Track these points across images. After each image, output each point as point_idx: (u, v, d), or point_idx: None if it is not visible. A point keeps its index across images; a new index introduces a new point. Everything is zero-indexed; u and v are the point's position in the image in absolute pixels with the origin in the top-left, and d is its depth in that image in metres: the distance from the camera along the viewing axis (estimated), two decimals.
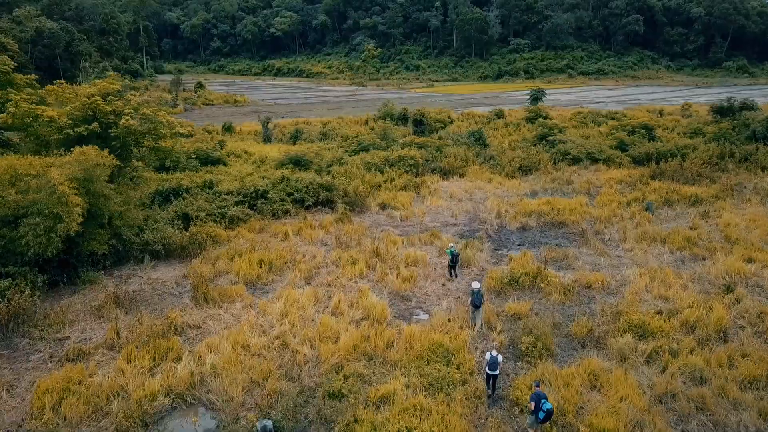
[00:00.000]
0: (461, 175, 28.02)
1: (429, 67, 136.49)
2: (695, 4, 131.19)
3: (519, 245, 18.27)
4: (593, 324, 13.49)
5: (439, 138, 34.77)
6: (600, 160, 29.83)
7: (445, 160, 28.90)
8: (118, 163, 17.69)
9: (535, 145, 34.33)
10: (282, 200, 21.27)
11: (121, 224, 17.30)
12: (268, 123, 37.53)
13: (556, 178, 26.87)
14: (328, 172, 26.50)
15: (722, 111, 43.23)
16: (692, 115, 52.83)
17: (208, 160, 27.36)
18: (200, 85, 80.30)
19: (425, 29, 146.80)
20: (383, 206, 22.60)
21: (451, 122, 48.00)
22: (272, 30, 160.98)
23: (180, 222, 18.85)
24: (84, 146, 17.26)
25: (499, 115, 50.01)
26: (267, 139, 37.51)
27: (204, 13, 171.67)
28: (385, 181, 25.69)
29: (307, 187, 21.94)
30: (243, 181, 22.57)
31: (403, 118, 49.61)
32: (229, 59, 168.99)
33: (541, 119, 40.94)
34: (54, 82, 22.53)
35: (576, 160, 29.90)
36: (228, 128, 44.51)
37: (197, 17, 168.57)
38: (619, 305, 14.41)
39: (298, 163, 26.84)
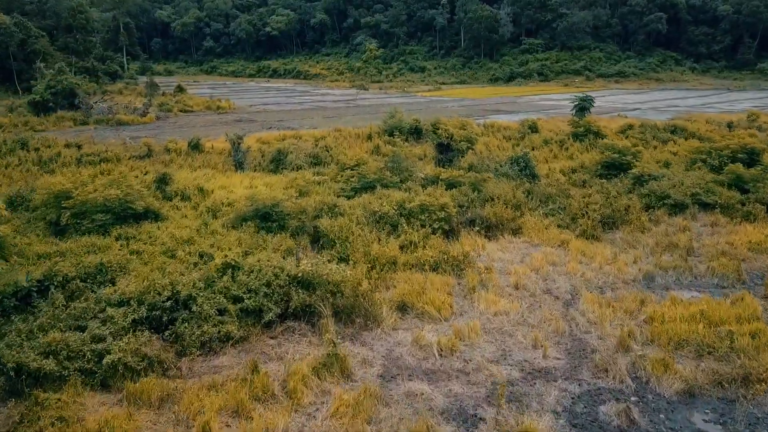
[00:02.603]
0: (515, 232, 18.60)
1: (435, 68, 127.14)
2: (722, 1, 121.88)
3: None
4: None
5: (470, 168, 25.35)
6: (714, 206, 20.42)
7: (489, 208, 19.50)
8: None
9: (605, 177, 24.96)
10: (220, 313, 11.45)
11: None
12: (239, 143, 28.17)
13: (664, 242, 17.44)
14: (314, 233, 17.16)
15: None
16: (762, 128, 43.49)
17: (130, 215, 17.90)
18: (180, 89, 71.01)
19: (431, 28, 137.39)
20: (403, 308, 13.27)
21: (476, 140, 38.63)
22: (268, 29, 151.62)
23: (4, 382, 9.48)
24: None
25: (533, 128, 40.64)
26: (239, 165, 28.16)
27: (196, 11, 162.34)
28: (404, 249, 16.32)
29: (269, 285, 12.59)
30: (150, 280, 12.65)
31: (414, 132, 40.27)
32: (222, 60, 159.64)
33: (603, 140, 31.56)
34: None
35: (678, 207, 20.46)
36: (195, 146, 35.20)
37: (189, 15, 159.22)
38: None
39: (267, 218, 17.43)
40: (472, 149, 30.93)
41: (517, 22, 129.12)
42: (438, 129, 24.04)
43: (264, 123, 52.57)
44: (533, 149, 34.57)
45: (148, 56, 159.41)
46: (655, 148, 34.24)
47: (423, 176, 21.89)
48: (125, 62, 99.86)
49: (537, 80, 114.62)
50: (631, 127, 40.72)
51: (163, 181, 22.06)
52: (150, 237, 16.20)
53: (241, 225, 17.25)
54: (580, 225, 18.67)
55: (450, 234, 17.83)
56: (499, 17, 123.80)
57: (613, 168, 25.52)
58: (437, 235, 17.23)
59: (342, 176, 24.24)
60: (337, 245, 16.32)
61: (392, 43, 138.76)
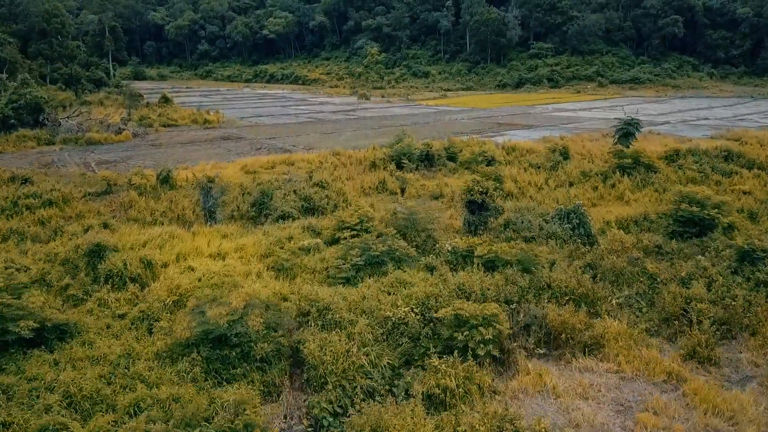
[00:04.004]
0: (591, 349, 12.73)
1: (439, 73, 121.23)
2: (741, 3, 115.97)
3: None
4: None
5: (506, 224, 19.44)
6: None
7: (549, 306, 13.63)
8: None
9: (682, 238, 19.08)
10: None
11: None
12: (210, 188, 22.25)
13: None
14: (295, 357, 11.31)
15: None
16: None
17: (12, 340, 11.71)
18: (166, 100, 65.07)
19: (435, 31, 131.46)
20: None
21: (495, 163, 32.81)
22: (265, 32, 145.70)
23: None
24: None
25: (564, 153, 34.76)
26: (209, 215, 22.26)
27: (191, 13, 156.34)
28: (433, 401, 10.44)
29: None
30: None
31: (426, 159, 34.47)
32: (218, 63, 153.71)
33: (656, 174, 25.77)
34: None
35: None
36: (165, 179, 29.29)
37: (183, 17, 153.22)
38: None
39: (224, 343, 11.48)
40: (500, 187, 25.03)
41: (526, 25, 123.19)
42: (485, 193, 18.05)
43: (253, 142, 46.68)
44: (571, 184, 28.76)
45: (140, 60, 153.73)
46: (717, 183, 28.36)
47: (450, 248, 16.01)
48: (111, 68, 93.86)
49: (547, 86, 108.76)
50: (678, 153, 34.78)
51: (96, 254, 16.17)
52: (22, 392, 10.13)
53: (185, 354, 11.35)
54: (684, 334, 12.77)
55: (499, 361, 11.93)
56: (506, 20, 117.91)
57: (691, 224, 19.62)
58: (483, 367, 11.32)
59: (341, 237, 18.35)
60: (330, 388, 10.48)
61: (394, 46, 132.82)
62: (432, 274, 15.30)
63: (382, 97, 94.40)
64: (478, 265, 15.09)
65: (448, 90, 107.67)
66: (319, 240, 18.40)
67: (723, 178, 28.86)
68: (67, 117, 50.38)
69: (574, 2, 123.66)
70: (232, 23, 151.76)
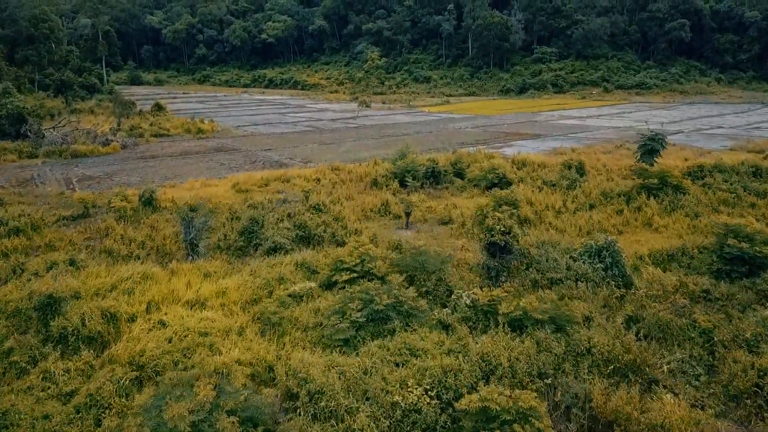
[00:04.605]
0: None
1: (441, 78, 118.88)
2: (749, 7, 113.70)
3: None
4: None
5: (529, 263, 16.92)
6: None
7: (595, 389, 11.13)
8: None
9: (729, 277, 16.56)
10: None
11: None
12: (191, 219, 19.74)
13: None
14: None
15: None
16: None
17: None
18: (159, 108, 62.60)
19: (436, 35, 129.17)
20: None
21: (508, 184, 30.29)
22: (264, 36, 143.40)
23: None
24: None
25: (580, 170, 32.29)
26: (191, 249, 19.76)
27: (188, 17, 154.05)
28: None
29: None
30: None
31: (431, 176, 32.00)
32: (215, 68, 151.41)
33: (684, 195, 23.32)
34: None
35: None
36: (148, 201, 26.85)
37: (181, 21, 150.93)
38: None
39: None
40: (515, 211, 22.51)
41: (529, 29, 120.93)
42: (509, 233, 15.53)
43: (248, 154, 44.21)
44: (592, 207, 26.25)
45: (137, 65, 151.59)
46: (752, 206, 25.85)
47: (469, 302, 13.51)
48: (104, 74, 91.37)
49: (551, 92, 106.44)
50: (702, 168, 32.27)
51: (48, 307, 13.69)
52: None
53: None
54: (761, 418, 10.28)
55: None
56: (510, 24, 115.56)
57: (740, 263, 17.11)
58: None
59: (338, 280, 15.86)
60: None
61: (395, 51, 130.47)
62: (447, 334, 12.80)
63: (383, 103, 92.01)
64: (503, 325, 12.59)
65: (450, 95, 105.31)
66: (313, 284, 15.89)
67: (758, 200, 26.34)
68: (53, 127, 47.92)
69: (579, 6, 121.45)
70: (231, 27, 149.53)
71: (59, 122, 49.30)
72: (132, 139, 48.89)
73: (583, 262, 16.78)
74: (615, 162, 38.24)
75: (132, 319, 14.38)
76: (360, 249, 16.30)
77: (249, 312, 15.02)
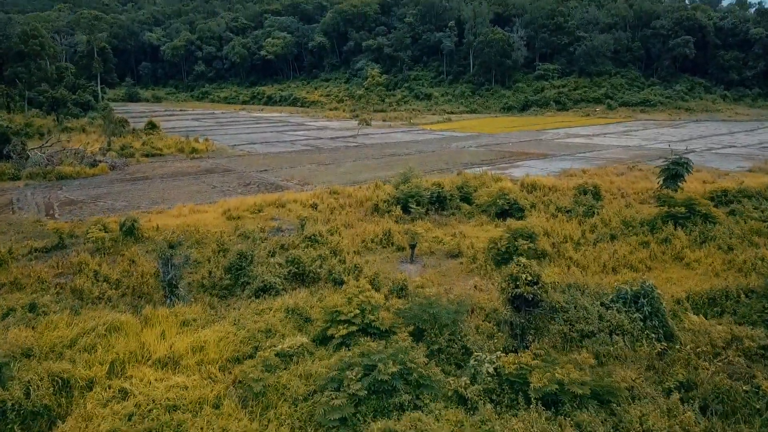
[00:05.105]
0: None
1: (442, 95, 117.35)
2: (753, 24, 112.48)
3: None
4: None
5: (554, 308, 14.65)
6: None
7: None
8: None
9: None
10: None
11: None
12: (170, 258, 17.52)
13: None
14: None
15: None
16: None
17: None
18: (152, 126, 60.63)
19: (437, 52, 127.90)
20: None
21: (520, 211, 28.18)
22: (263, 52, 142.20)
23: None
24: None
25: (596, 195, 30.13)
26: (170, 291, 17.49)
27: (188, 34, 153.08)
28: None
29: None
30: None
31: (437, 202, 29.84)
32: (214, 85, 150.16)
33: (715, 225, 21.05)
34: None
35: None
36: (129, 230, 24.61)
37: (180, 38, 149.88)
38: None
39: None
40: (533, 245, 20.32)
41: (531, 45, 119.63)
42: (537, 289, 13.28)
43: (242, 175, 42.10)
44: (613, 238, 24.03)
45: (135, 81, 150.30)
46: None
47: (491, 370, 11.24)
48: (99, 91, 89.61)
49: (554, 109, 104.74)
50: (726, 193, 30.17)
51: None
52: None
53: None
54: None
55: None
56: (511, 40, 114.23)
57: None
58: None
59: (334, 335, 13.61)
60: None
61: (396, 67, 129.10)
62: (467, 411, 10.52)
63: (384, 121, 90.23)
64: (536, 402, 10.32)
65: (452, 113, 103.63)
66: (304, 339, 13.62)
67: None
68: (40, 147, 45.87)
69: (581, 23, 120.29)
70: (230, 44, 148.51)
71: (46, 142, 47.27)
72: (122, 160, 46.83)
73: (617, 310, 14.54)
74: (630, 185, 36.15)
75: (89, 385, 12.10)
76: (359, 297, 14.05)
77: (230, 373, 12.77)
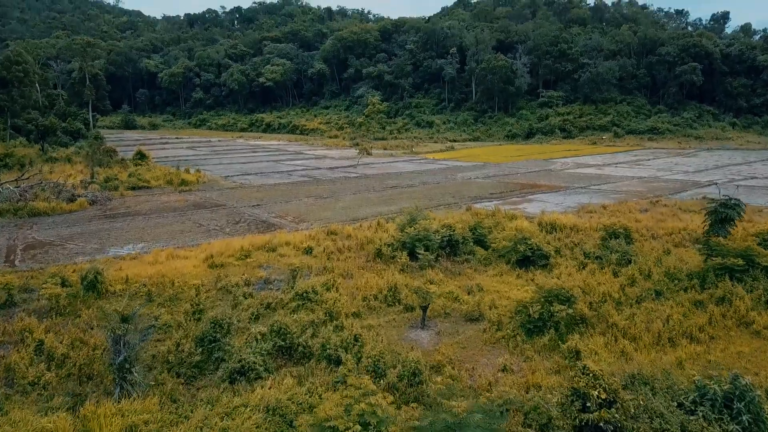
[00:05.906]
0: None
1: (444, 123, 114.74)
2: (761, 51, 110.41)
3: None
4: None
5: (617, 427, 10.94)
6: None
7: None
8: None
9: None
10: None
11: None
12: (122, 336, 13.86)
13: None
14: None
15: None
16: None
17: None
18: (141, 156, 57.37)
19: (439, 79, 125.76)
20: None
21: (543, 257, 24.69)
22: (262, 80, 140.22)
23: None
24: None
25: (627, 237, 26.59)
26: (120, 377, 13.86)
27: (186, 61, 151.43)
28: None
29: None
30: None
31: (448, 246, 26.30)
32: (212, 112, 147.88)
33: None
34: None
35: None
36: (91, 284, 21.06)
37: (178, 65, 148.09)
38: None
39: None
40: (571, 311, 16.72)
41: (534, 72, 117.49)
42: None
43: (232, 211, 38.64)
44: (658, 294, 20.44)
45: (131, 108, 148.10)
46: None
47: None
48: (90, 119, 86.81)
49: (559, 137, 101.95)
50: None
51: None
52: None
53: None
54: None
55: None
56: (515, 67, 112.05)
57: None
58: None
59: None
60: None
61: (397, 95, 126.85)
62: None
63: (385, 149, 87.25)
64: None
65: (455, 141, 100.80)
66: None
67: None
68: (16, 180, 42.52)
69: (585, 49, 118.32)
70: (228, 71, 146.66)
71: (22, 174, 43.95)
72: (105, 193, 43.43)
73: (704, 417, 10.89)
74: (658, 223, 32.73)
75: None
76: (361, 404, 10.42)
77: None
